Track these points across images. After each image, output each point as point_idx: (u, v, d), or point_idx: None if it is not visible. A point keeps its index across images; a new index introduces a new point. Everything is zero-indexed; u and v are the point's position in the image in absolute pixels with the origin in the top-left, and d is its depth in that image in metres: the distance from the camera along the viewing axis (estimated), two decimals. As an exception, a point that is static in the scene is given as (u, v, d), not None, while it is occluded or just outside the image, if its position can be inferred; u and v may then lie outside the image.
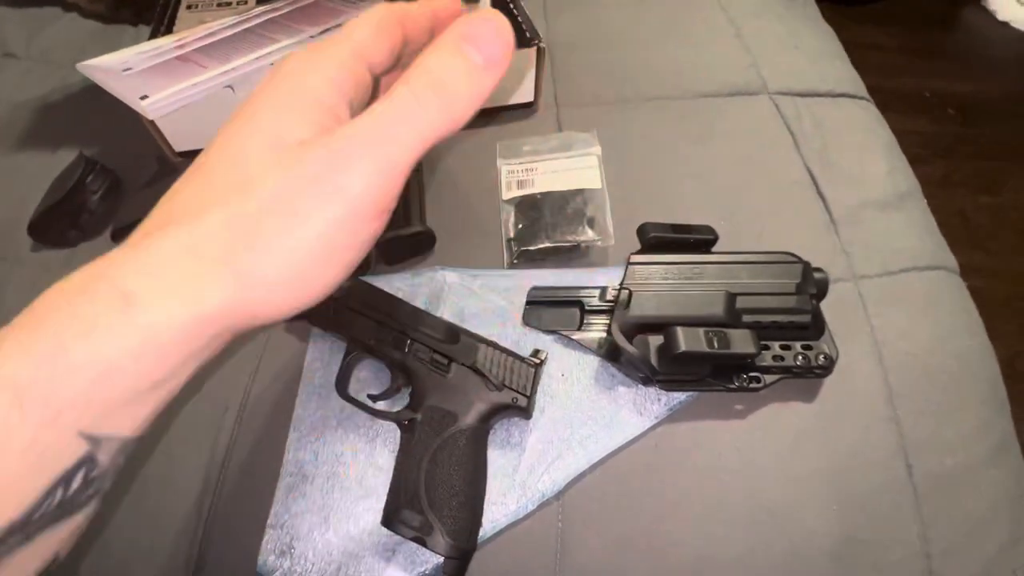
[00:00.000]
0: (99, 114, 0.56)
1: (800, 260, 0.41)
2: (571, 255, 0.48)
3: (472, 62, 0.17)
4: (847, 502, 0.38)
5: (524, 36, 0.54)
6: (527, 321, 0.44)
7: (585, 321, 0.44)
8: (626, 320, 0.39)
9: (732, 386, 0.39)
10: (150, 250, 0.17)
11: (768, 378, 0.40)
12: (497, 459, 0.40)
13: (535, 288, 0.45)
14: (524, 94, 0.57)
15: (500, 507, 0.38)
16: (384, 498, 0.37)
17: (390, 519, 0.36)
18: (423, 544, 0.35)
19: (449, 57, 0.17)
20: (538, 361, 0.40)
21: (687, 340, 0.36)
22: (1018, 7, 1.62)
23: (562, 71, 0.62)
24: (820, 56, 0.64)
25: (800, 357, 0.40)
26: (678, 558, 0.38)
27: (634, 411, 0.41)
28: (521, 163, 0.53)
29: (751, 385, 0.40)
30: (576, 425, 0.41)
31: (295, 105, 0.18)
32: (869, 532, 0.38)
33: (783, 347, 0.40)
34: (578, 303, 0.44)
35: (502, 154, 0.54)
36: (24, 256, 0.48)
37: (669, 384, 0.40)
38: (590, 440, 0.40)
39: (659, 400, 0.41)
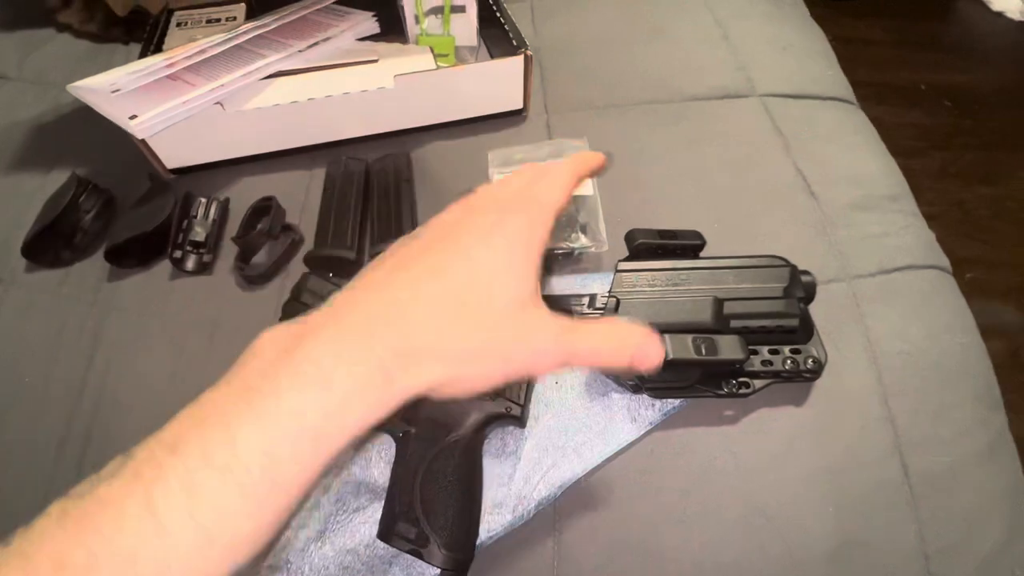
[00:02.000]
0: (92, 133, 0.57)
1: (787, 263, 0.41)
2: (565, 261, 0.48)
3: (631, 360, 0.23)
4: (843, 503, 0.38)
5: (511, 44, 0.55)
6: None
7: None
8: None
9: (721, 392, 0.39)
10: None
11: (757, 383, 0.40)
12: (493, 468, 0.40)
13: None
14: (513, 101, 0.57)
15: (496, 516, 0.38)
16: (380, 511, 0.37)
17: (386, 532, 0.36)
18: (419, 557, 0.35)
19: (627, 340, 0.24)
20: (531, 370, 0.40)
21: (675, 348, 0.36)
22: (1011, -4, 1.62)
23: (551, 77, 0.62)
24: (808, 58, 0.64)
25: (789, 361, 0.39)
26: (675, 564, 0.37)
27: (628, 417, 0.41)
28: (513, 171, 0.53)
29: (740, 391, 0.40)
30: (571, 432, 0.41)
31: (528, 272, 0.23)
32: (866, 533, 0.38)
33: (772, 351, 0.40)
34: (567, 312, 0.44)
35: (494, 163, 0.54)
36: (19, 277, 0.49)
37: (658, 391, 0.40)
38: (585, 447, 0.40)
39: (653, 406, 0.41)
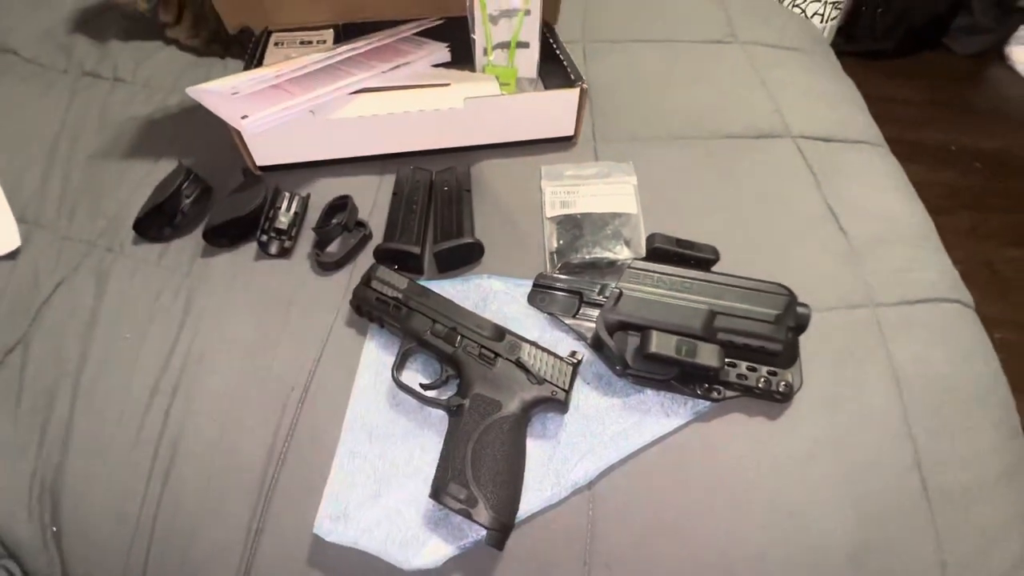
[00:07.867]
0: (192, 133, 0.65)
1: (789, 293, 0.44)
2: (607, 270, 0.53)
3: None
4: (864, 509, 0.41)
5: (567, 78, 0.61)
6: (531, 301, 0.49)
7: (582, 311, 0.48)
8: (611, 316, 0.44)
9: (698, 392, 0.43)
10: None
11: (729, 392, 0.43)
12: (534, 449, 0.43)
13: (542, 275, 0.50)
14: (566, 128, 0.63)
15: (535, 493, 0.42)
16: (430, 477, 0.41)
17: (438, 492, 0.39)
18: (468, 516, 0.38)
19: None
20: (576, 360, 0.44)
21: (659, 343, 0.40)
22: (1042, 66, 1.65)
23: (600, 109, 0.68)
24: (840, 105, 0.69)
25: (762, 380, 0.43)
26: (702, 552, 0.40)
27: (662, 413, 0.44)
28: (563, 185, 0.59)
29: (711, 395, 0.43)
30: (608, 422, 0.44)
31: None
32: (885, 538, 0.40)
33: (750, 368, 0.43)
34: (579, 294, 0.48)
35: (547, 176, 0.60)
36: (127, 249, 0.55)
37: (638, 380, 0.44)
38: (620, 436, 0.43)
39: (685, 404, 0.44)
